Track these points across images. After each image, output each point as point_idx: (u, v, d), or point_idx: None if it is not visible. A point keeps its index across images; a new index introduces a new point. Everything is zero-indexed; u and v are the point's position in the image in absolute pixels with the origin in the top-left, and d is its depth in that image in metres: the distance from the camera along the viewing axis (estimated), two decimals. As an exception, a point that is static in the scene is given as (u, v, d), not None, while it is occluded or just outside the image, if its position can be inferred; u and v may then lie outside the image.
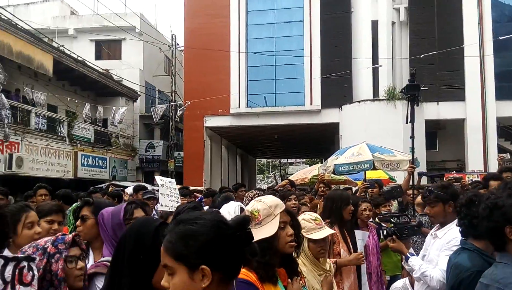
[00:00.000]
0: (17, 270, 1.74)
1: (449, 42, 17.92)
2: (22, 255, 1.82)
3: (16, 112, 15.93)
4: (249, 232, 1.36)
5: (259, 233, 2.17)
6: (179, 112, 20.88)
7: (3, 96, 14.60)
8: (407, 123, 6.26)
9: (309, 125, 20.51)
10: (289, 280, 2.26)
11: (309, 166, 23.23)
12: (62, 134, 18.04)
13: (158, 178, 5.07)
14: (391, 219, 3.80)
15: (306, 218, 2.94)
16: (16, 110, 15.98)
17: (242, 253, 1.35)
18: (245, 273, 2.11)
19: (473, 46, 17.94)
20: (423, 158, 15.64)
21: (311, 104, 19.85)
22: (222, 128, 21.87)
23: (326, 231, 2.89)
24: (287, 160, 54.62)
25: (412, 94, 6.17)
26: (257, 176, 36.25)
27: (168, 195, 4.85)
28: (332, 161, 9.20)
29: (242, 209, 3.86)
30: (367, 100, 18.47)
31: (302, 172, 13.34)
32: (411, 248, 3.60)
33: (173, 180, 5.26)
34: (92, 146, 20.22)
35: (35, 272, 1.79)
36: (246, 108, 20.53)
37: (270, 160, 55.89)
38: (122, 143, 23.38)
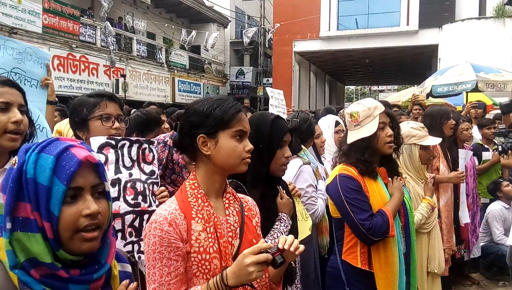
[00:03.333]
0: (140, 151, 2.03)
1: None
2: (143, 139, 2.10)
3: (120, 39, 17.09)
4: None
5: (358, 133, 2.30)
6: (268, 35, 20.81)
7: (108, 23, 15.70)
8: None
9: (403, 48, 19.34)
10: (390, 178, 2.38)
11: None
12: (160, 61, 19.10)
13: (268, 90, 5.26)
14: (509, 135, 3.62)
15: (415, 126, 2.95)
16: (120, 37, 17.13)
17: None
18: (346, 169, 2.29)
19: None
20: (533, 82, 14.21)
21: (407, 24, 18.56)
22: (311, 53, 21.49)
23: (437, 139, 2.93)
24: (378, 87, 52.51)
25: (520, 4, 5.55)
26: (345, 104, 35.61)
27: (276, 106, 5.08)
28: (430, 82, 8.79)
29: (337, 123, 4.04)
30: (471, 18, 16.78)
31: (396, 95, 12.91)
32: None
33: (281, 91, 5.41)
34: (187, 72, 21.22)
35: (155, 153, 2.09)
36: (336, 31, 19.81)
37: (359, 87, 54.13)
38: (214, 70, 24.17)
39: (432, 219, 2.89)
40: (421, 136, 2.89)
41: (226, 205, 1.51)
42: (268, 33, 20.96)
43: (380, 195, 2.28)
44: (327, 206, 3.02)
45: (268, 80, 24.05)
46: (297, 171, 2.83)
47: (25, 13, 13.33)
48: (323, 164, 3.62)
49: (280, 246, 1.34)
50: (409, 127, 2.93)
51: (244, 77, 25.62)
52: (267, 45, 23.77)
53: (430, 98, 8.94)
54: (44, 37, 13.83)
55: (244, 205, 1.58)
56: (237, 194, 1.61)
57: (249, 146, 1.49)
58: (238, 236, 1.47)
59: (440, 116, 3.95)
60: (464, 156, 4.12)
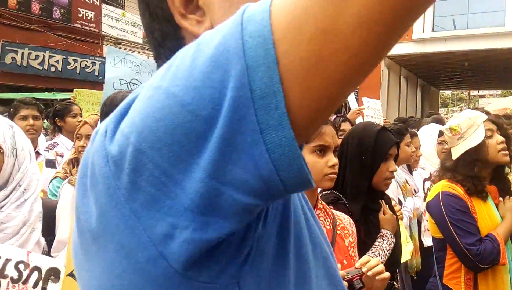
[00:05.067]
0: None
1: None
2: None
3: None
4: None
5: (464, 146, 2.10)
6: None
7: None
8: None
9: (509, 50, 17.73)
10: (501, 198, 2.17)
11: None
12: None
13: (365, 100, 5.06)
14: None
15: None
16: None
17: None
18: (451, 187, 2.11)
19: None
20: None
21: (513, 24, 17.04)
22: (402, 56, 20.53)
23: None
24: (478, 92, 48.72)
25: None
26: (439, 110, 33.52)
27: (372, 116, 4.87)
28: (541, 87, 7.93)
29: (441, 133, 3.80)
30: None
31: (500, 101, 11.82)
32: None
33: (378, 101, 5.20)
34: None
35: None
36: (431, 32, 18.76)
37: (456, 91, 50.64)
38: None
39: None
40: None
41: None
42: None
43: (490, 217, 2.09)
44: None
45: (355, 85, 23.51)
46: None
47: (128, 25, 14.55)
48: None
49: (357, 265, 1.24)
50: None
51: (331, 82, 25.32)
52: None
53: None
54: (144, 46, 14.90)
55: (337, 223, 1.49)
56: (332, 210, 1.53)
57: (333, 161, 1.42)
58: None
59: None
60: None
